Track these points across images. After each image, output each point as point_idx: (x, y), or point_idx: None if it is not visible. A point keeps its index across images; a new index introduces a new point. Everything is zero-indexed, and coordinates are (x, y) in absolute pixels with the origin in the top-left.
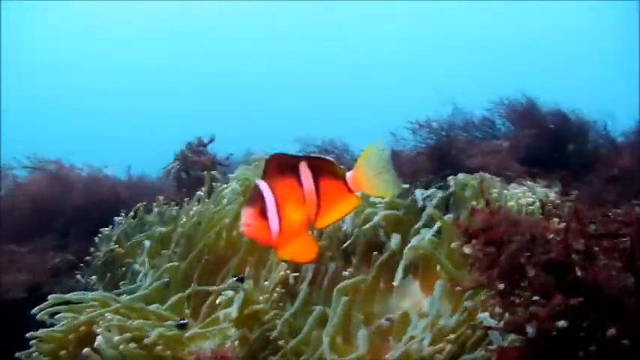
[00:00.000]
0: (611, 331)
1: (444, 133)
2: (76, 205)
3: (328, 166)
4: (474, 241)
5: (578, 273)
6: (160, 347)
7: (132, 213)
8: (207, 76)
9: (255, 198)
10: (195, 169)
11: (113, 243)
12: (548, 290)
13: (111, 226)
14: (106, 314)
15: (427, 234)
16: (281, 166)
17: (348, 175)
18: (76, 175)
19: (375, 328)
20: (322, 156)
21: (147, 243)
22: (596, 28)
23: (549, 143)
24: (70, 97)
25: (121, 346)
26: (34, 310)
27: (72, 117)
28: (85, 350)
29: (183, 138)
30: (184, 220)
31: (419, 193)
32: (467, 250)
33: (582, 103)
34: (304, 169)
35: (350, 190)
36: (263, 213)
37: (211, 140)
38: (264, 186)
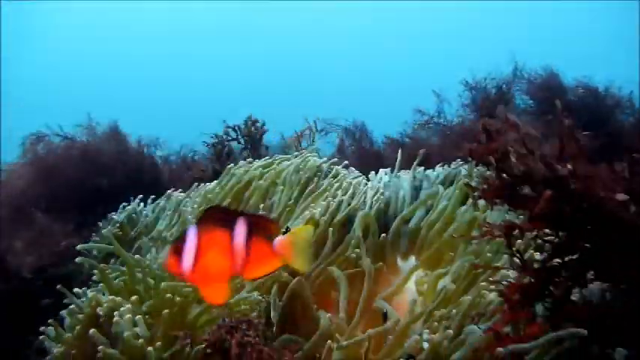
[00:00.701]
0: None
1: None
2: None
3: (264, 226)
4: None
5: (569, 166)
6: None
7: (137, 200)
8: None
9: (179, 238)
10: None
11: (116, 228)
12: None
13: (119, 211)
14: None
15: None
16: (218, 218)
17: (277, 240)
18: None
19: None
20: (264, 216)
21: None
22: (596, 27)
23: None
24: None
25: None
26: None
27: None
28: (91, 331)
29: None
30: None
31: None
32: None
33: None
34: (240, 225)
35: (276, 254)
36: (178, 252)
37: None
38: (192, 230)
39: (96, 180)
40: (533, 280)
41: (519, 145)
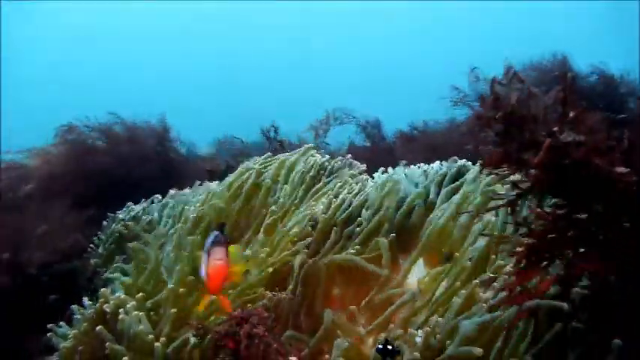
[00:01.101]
0: None
1: None
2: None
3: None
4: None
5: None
6: None
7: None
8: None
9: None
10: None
11: (121, 226)
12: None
13: (125, 210)
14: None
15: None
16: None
17: None
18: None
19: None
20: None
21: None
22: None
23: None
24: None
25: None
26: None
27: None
28: (98, 328)
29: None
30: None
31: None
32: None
33: None
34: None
35: None
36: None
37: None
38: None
39: (128, 169)
40: (539, 243)
41: (524, 106)
